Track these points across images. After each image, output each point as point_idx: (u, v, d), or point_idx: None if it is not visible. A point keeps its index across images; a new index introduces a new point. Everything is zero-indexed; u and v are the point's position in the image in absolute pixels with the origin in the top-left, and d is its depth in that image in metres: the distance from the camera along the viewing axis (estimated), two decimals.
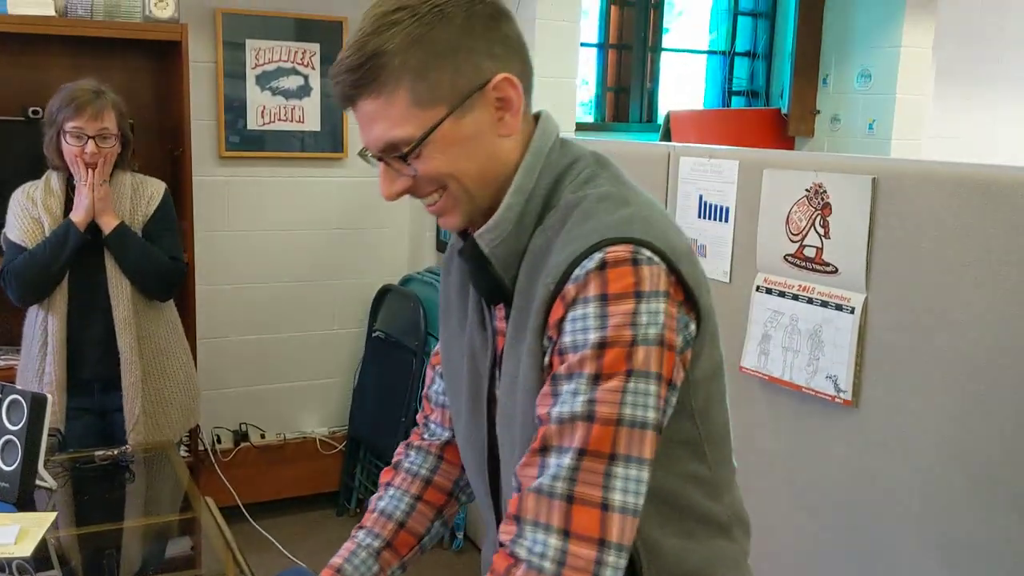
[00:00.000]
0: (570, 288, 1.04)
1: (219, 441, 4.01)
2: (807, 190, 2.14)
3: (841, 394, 2.09)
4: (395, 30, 1.06)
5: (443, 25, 1.07)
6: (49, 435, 2.29)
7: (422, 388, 1.48)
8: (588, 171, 1.15)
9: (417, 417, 1.45)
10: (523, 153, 1.14)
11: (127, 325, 2.75)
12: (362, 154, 1.16)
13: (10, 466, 2.20)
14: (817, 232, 2.13)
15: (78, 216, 2.67)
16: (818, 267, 2.14)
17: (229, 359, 4.03)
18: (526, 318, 1.10)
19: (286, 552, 3.70)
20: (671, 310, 1.05)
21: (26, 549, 1.97)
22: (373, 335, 4.16)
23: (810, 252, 2.16)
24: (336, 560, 1.31)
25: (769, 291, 2.26)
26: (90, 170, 2.65)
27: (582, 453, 1.01)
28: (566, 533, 1.00)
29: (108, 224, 2.70)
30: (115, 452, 2.53)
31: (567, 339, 1.04)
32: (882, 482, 2.05)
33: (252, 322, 4.09)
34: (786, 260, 2.21)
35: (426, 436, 1.41)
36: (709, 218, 2.43)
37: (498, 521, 1.26)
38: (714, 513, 1.19)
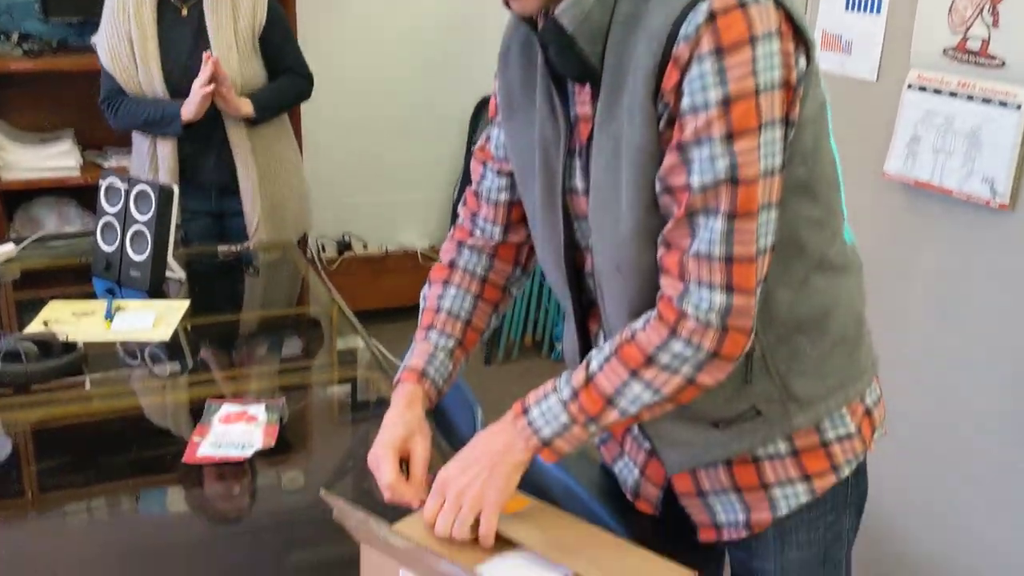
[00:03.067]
0: (682, 48, 1.01)
1: (324, 250, 4.05)
2: None
3: (997, 197, 1.97)
4: None
5: None
6: None
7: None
8: None
9: (460, 211, 1.42)
10: None
11: (239, 128, 2.70)
12: None
13: (140, 256, 2.23)
14: (985, 22, 1.96)
15: (188, 113, 2.58)
16: (982, 61, 1.98)
17: (331, 170, 4.00)
18: (621, 93, 1.08)
19: (390, 355, 3.78)
20: (786, 47, 1.03)
21: (164, 334, 2.01)
22: (472, 149, 4.09)
23: (974, 44, 1.99)
24: (417, 362, 1.31)
25: (923, 89, 2.11)
26: (208, 66, 2.52)
27: (732, 216, 1.03)
28: (729, 289, 1.05)
29: (246, 112, 2.64)
30: (237, 248, 2.55)
31: (686, 102, 1.02)
32: None
33: (353, 134, 4.04)
34: (945, 55, 2.05)
35: (477, 234, 1.39)
36: (858, 10, 2.25)
37: (577, 308, 1.29)
38: (830, 256, 1.19)
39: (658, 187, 1.07)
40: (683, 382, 1.09)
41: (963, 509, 2.19)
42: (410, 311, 1.41)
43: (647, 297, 1.13)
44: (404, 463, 1.24)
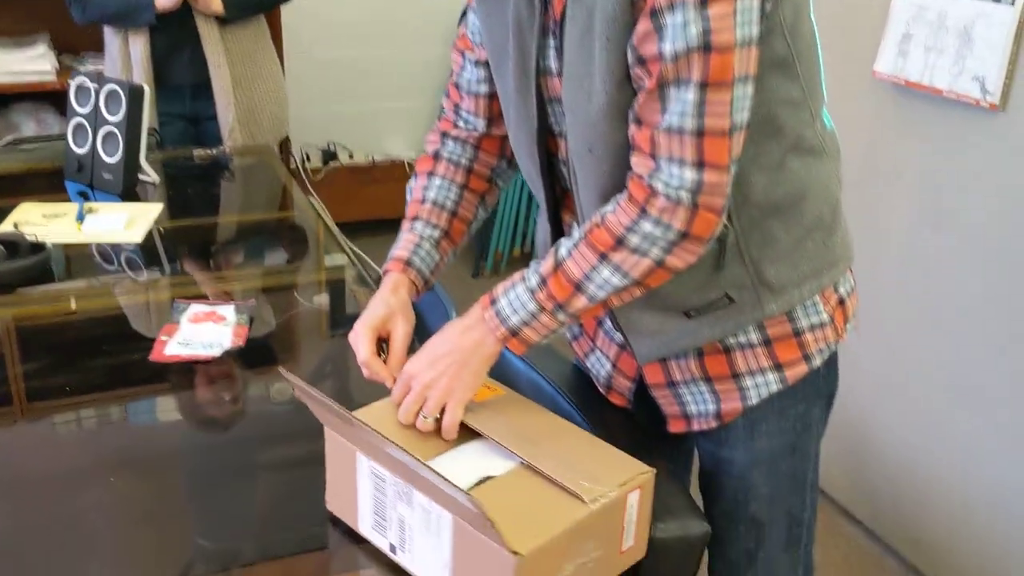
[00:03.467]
0: None
1: (308, 159, 3.99)
2: None
3: (987, 96, 1.92)
4: None
5: None
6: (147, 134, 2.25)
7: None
8: None
9: (444, 103, 1.39)
10: None
11: (211, 26, 2.63)
12: None
13: (112, 157, 2.18)
14: None
15: (164, 1, 2.51)
16: None
17: (315, 76, 3.92)
18: None
19: (375, 266, 3.75)
20: None
21: (135, 236, 1.98)
22: None
23: None
24: (402, 253, 1.30)
25: None
26: None
27: (704, 87, 0.99)
28: (700, 164, 1.02)
29: (215, 8, 2.56)
30: (213, 152, 2.50)
31: None
32: None
33: (338, 38, 3.94)
34: None
35: (460, 125, 1.37)
36: None
37: (550, 198, 1.26)
38: (807, 138, 1.16)
39: (630, 58, 1.03)
40: (652, 264, 1.07)
41: (937, 407, 2.19)
42: (397, 223, 1.38)
43: (619, 180, 1.10)
44: (385, 343, 1.23)
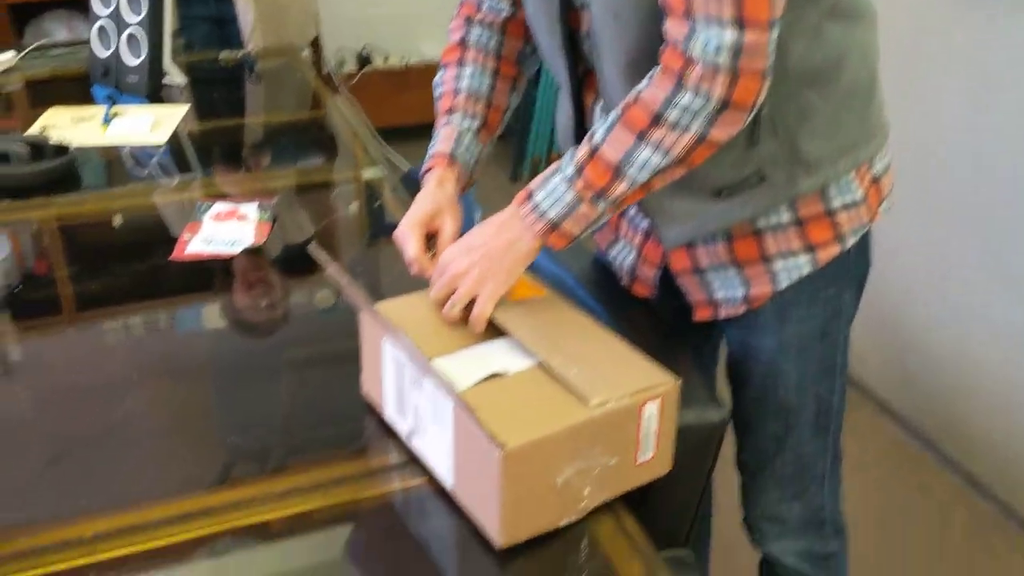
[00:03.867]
0: None
1: (344, 64, 3.94)
2: None
3: None
4: None
5: None
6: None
7: None
8: None
9: None
10: None
11: None
12: None
13: (136, 59, 2.17)
14: None
15: None
16: None
17: None
18: None
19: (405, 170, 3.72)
20: None
21: (160, 138, 1.97)
22: None
23: None
24: (443, 147, 1.25)
25: None
26: None
27: None
28: (740, 22, 0.95)
29: None
30: (239, 54, 2.46)
31: None
32: None
33: None
34: None
35: (484, 8, 1.32)
36: None
37: (572, 78, 1.21)
38: (843, 2, 1.11)
39: None
40: (694, 140, 1.01)
41: (979, 295, 2.14)
42: (432, 128, 1.34)
43: (646, 51, 1.05)
44: (433, 239, 1.20)
